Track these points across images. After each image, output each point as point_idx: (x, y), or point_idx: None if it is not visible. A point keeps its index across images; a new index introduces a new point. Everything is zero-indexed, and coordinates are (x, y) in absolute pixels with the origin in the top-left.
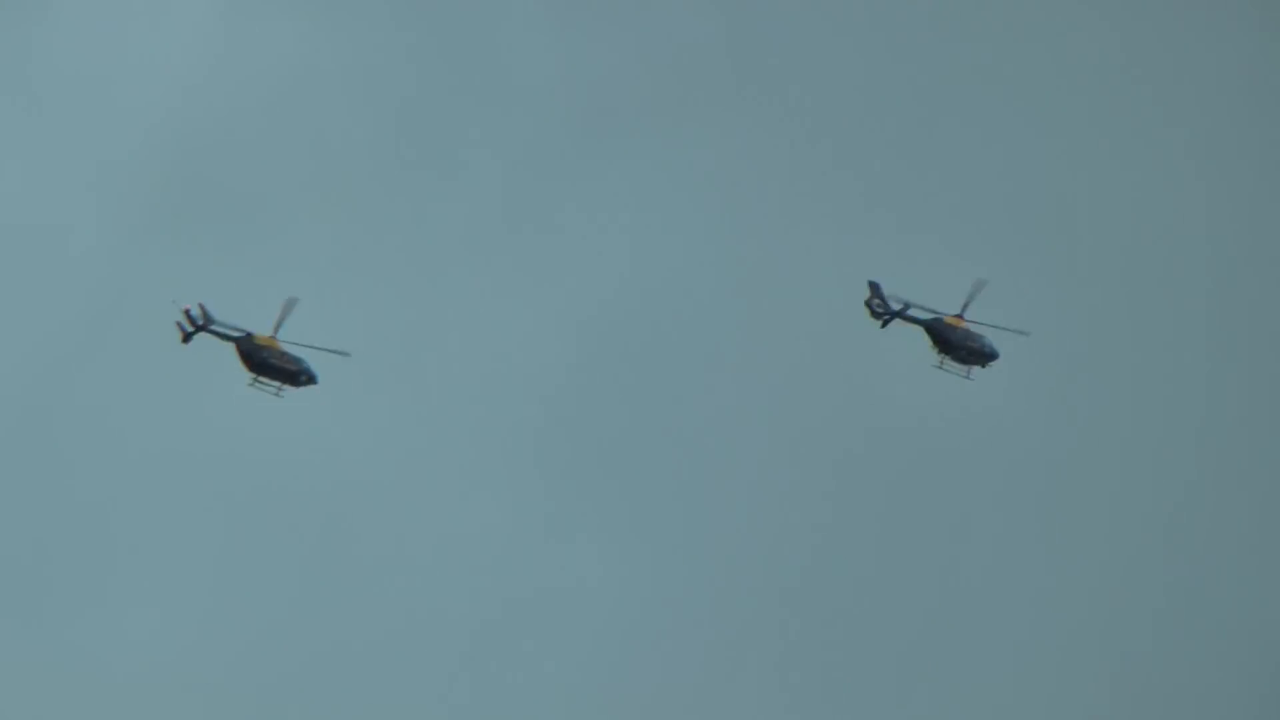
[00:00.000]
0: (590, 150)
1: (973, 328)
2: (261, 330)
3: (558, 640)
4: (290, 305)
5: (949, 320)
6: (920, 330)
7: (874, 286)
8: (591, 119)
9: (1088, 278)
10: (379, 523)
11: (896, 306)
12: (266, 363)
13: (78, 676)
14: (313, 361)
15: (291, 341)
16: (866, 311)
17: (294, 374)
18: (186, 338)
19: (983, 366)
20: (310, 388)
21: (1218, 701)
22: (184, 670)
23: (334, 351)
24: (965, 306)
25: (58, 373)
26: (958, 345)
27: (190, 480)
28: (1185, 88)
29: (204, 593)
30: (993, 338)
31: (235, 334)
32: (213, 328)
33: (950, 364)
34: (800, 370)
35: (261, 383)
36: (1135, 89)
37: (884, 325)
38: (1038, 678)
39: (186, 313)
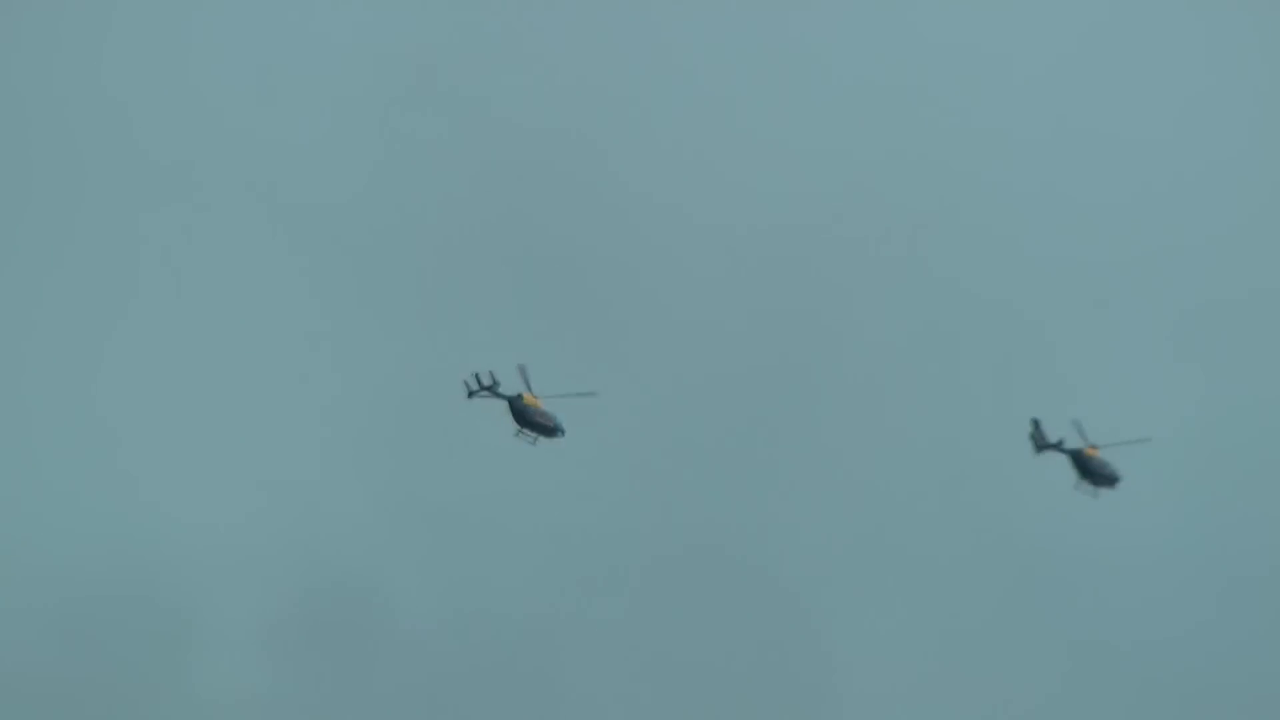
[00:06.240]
0: None
1: (1104, 454)
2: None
3: None
4: (523, 370)
5: (1088, 451)
6: (1067, 458)
7: (1035, 423)
8: None
9: None
10: None
11: (1053, 440)
12: (530, 419)
13: None
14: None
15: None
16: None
17: (550, 429)
18: (471, 394)
19: (1110, 489)
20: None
21: None
22: None
23: (582, 395)
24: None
25: None
26: (1094, 472)
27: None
28: None
29: None
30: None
31: (509, 395)
32: (496, 390)
33: (1084, 486)
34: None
35: (524, 434)
36: None
37: (1039, 453)
38: None
39: (476, 376)
